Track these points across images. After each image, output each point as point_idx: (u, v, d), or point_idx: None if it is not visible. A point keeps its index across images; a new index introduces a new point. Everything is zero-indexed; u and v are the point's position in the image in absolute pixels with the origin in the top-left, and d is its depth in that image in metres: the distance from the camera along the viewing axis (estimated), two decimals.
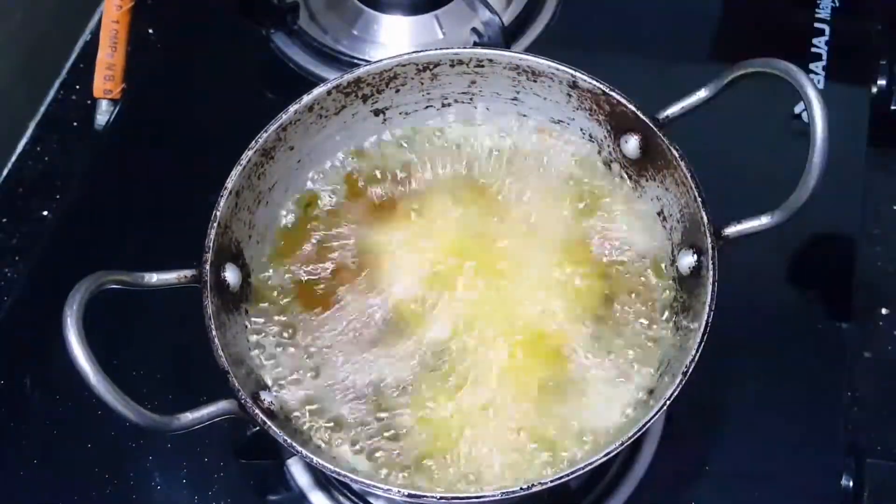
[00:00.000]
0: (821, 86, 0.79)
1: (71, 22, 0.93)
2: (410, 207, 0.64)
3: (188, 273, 0.55)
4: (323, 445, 0.56)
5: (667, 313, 0.59)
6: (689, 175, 0.58)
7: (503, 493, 0.51)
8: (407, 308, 0.60)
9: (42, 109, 0.89)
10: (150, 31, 0.92)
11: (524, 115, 0.65)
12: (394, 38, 0.84)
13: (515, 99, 0.65)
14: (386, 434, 0.56)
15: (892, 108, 0.79)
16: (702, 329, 0.53)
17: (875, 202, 0.79)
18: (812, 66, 0.81)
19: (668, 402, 0.52)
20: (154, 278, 0.55)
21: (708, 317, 0.54)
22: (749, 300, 0.69)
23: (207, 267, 0.56)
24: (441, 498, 0.51)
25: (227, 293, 0.58)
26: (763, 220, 0.56)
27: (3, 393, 0.70)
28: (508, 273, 0.61)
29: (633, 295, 0.60)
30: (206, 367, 0.54)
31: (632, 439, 0.51)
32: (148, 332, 0.72)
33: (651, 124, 0.60)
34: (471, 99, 0.66)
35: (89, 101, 0.85)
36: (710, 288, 0.55)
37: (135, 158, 0.82)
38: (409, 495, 0.52)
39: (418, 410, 0.57)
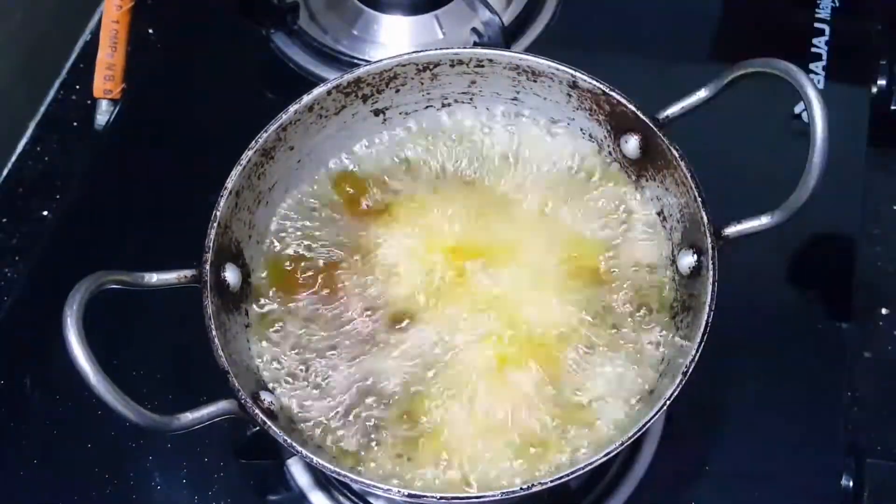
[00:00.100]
0: (821, 86, 0.79)
1: (71, 22, 0.93)
2: (410, 207, 0.64)
3: (188, 273, 0.55)
4: (323, 445, 0.56)
5: (667, 313, 0.59)
6: (689, 175, 0.58)
7: (503, 493, 0.51)
8: (406, 308, 0.60)
9: (42, 109, 0.89)
10: (150, 31, 0.92)
11: (524, 115, 0.66)
12: (394, 38, 0.84)
13: (515, 99, 0.65)
14: (386, 434, 0.56)
15: (892, 108, 0.79)
16: (702, 329, 0.54)
17: (875, 202, 0.79)
18: (812, 66, 0.81)
19: (668, 402, 0.52)
20: (154, 278, 0.55)
21: (708, 317, 0.54)
22: (749, 300, 0.69)
23: (207, 267, 0.56)
24: (441, 498, 0.51)
25: (227, 293, 0.58)
26: (763, 220, 0.56)
27: (3, 393, 0.70)
28: (507, 273, 0.61)
29: (633, 295, 0.60)
30: (206, 367, 0.54)
31: (632, 439, 0.51)
32: (148, 332, 0.72)
33: (651, 124, 0.60)
34: (471, 99, 0.66)
35: (89, 101, 0.85)
36: (710, 288, 0.55)
37: (135, 158, 0.82)
38: (409, 495, 0.52)
39: (418, 410, 0.57)
